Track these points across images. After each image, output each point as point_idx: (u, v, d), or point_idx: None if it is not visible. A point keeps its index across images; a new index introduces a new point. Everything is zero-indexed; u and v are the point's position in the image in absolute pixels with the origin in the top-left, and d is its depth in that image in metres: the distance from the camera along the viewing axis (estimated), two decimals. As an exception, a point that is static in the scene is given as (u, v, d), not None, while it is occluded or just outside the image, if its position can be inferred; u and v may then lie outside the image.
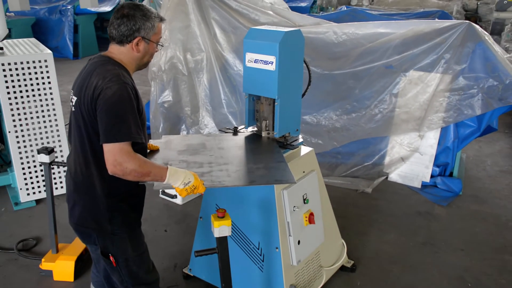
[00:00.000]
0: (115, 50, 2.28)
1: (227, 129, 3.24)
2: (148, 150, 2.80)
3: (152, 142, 2.85)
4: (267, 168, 2.64)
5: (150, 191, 4.45)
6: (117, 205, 2.30)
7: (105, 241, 2.34)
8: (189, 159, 2.72)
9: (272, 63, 2.74)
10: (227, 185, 2.46)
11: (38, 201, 4.49)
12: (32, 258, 3.70)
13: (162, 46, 2.40)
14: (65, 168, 3.07)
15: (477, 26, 4.76)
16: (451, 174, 4.99)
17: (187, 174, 2.25)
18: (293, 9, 6.58)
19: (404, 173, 5.04)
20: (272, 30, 2.82)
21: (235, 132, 3.18)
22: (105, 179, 2.22)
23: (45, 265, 3.49)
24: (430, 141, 4.91)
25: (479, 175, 5.36)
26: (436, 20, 6.69)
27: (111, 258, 2.35)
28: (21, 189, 4.39)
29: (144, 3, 2.21)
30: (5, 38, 4.64)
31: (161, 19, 2.33)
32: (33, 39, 4.89)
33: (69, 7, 10.72)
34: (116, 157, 2.06)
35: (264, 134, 3.05)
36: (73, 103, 2.25)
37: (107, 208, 2.28)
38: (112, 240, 2.34)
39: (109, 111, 2.09)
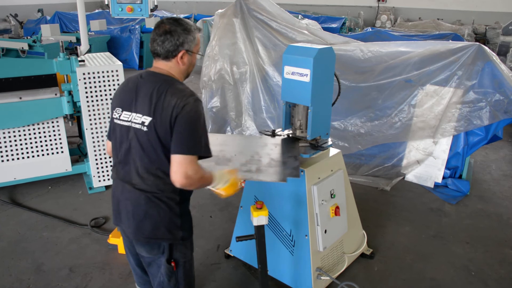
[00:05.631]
0: (163, 66, 2.05)
1: (266, 131, 3.20)
2: None
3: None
4: (277, 166, 2.55)
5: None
6: (185, 209, 2.13)
7: (172, 248, 2.12)
8: (215, 153, 2.63)
9: (307, 75, 2.69)
10: (258, 179, 2.41)
11: (107, 187, 4.57)
12: (102, 233, 3.76)
13: (202, 55, 2.23)
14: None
15: (486, 48, 4.64)
16: (460, 176, 4.83)
17: (226, 175, 2.15)
18: (325, 29, 6.48)
19: (419, 174, 4.89)
20: (308, 47, 2.76)
21: (273, 134, 3.13)
22: (178, 188, 2.00)
23: (112, 240, 3.54)
24: (443, 146, 4.76)
25: (485, 178, 5.16)
26: (450, 41, 6.48)
27: (173, 264, 2.14)
28: (94, 176, 4.48)
29: (198, 24, 2.18)
30: (87, 52, 4.76)
31: (200, 30, 2.12)
32: (108, 53, 4.99)
33: (137, 26, 10.94)
34: (187, 169, 1.89)
35: (298, 132, 2.98)
36: (144, 124, 1.96)
37: (180, 214, 2.08)
38: (178, 246, 2.13)
39: (187, 125, 1.90)
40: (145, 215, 2.05)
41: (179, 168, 1.89)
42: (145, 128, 1.96)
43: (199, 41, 2.11)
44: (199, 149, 1.93)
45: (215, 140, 2.97)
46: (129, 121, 2.02)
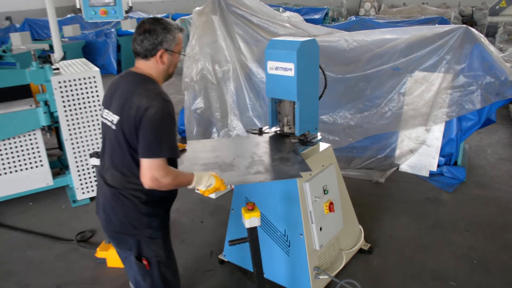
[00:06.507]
0: (143, 65, 2.13)
1: (253, 130, 3.21)
2: None
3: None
4: (283, 164, 2.59)
5: (188, 188, 4.48)
6: (155, 210, 2.18)
7: (141, 245, 2.20)
8: (212, 160, 2.69)
9: (291, 69, 2.70)
10: (245, 182, 2.42)
11: (92, 199, 4.54)
12: (89, 248, 3.74)
13: (184, 55, 2.28)
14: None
15: (474, 30, 4.70)
16: (455, 163, 4.90)
17: (210, 177, 2.20)
18: (308, 21, 6.52)
19: (413, 164, 4.95)
20: (290, 40, 2.77)
21: (260, 132, 3.14)
22: (145, 188, 2.07)
23: (100, 253, 3.52)
24: (436, 134, 4.81)
25: (480, 163, 5.23)
26: (436, 25, 6.55)
27: (145, 262, 2.22)
28: (77, 188, 4.45)
29: (176, 22, 2.18)
30: (61, 59, 4.72)
31: (181, 30, 2.17)
32: (84, 59, 4.96)
33: (112, 30, 10.89)
34: (154, 173, 1.95)
35: (286, 129, 3.01)
36: (114, 122, 2.08)
37: (146, 214, 2.16)
38: (148, 244, 2.21)
39: (151, 128, 1.96)
40: (112, 210, 2.18)
41: (147, 172, 1.97)
42: (114, 127, 2.08)
43: (181, 41, 2.18)
44: (165, 152, 1.98)
45: (203, 147, 2.97)
46: (106, 119, 2.15)
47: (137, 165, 2.04)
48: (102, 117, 2.21)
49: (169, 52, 2.12)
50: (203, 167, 2.57)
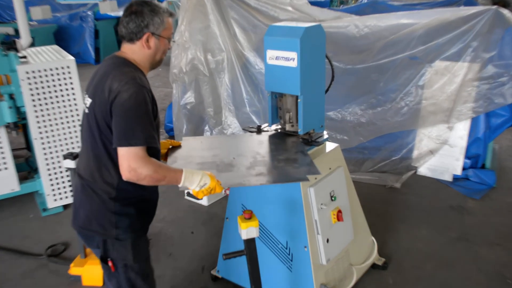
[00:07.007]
0: (127, 49, 2.25)
1: (250, 128, 3.22)
2: (170, 146, 2.85)
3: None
4: (289, 165, 2.61)
5: (175, 194, 4.49)
6: (125, 209, 2.24)
7: (106, 245, 2.28)
8: (209, 159, 2.71)
9: (293, 59, 2.72)
10: (245, 184, 2.44)
11: (65, 206, 4.55)
12: (61, 263, 3.74)
13: (174, 42, 2.36)
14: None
15: (506, 11, 4.66)
16: (483, 166, 4.91)
17: (203, 176, 2.23)
18: (313, 3, 6.51)
19: (434, 167, 4.97)
20: (292, 26, 2.79)
21: (259, 130, 3.16)
22: (116, 182, 2.17)
23: (74, 270, 3.52)
24: (460, 132, 4.83)
25: (512, 166, 5.24)
26: (461, 7, 6.56)
27: (110, 263, 2.29)
28: (48, 195, 4.45)
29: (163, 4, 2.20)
30: (29, 46, 4.71)
31: (171, 14, 2.28)
32: (56, 46, 4.96)
33: (89, 13, 10.88)
34: (131, 162, 2.02)
35: (288, 127, 3.02)
36: (87, 105, 2.21)
37: (115, 212, 2.22)
38: (114, 245, 2.27)
39: (124, 114, 2.05)
40: (81, 203, 2.30)
41: (123, 162, 2.04)
42: (87, 110, 2.22)
43: (171, 26, 2.28)
44: (139, 139, 2.04)
45: (200, 145, 2.99)
46: (86, 107, 2.26)
47: (109, 155, 2.14)
48: (83, 103, 2.31)
49: (156, 37, 2.22)
50: (199, 167, 2.59)
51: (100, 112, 2.12)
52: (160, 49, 2.27)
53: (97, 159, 2.19)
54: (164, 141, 2.78)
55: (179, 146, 2.89)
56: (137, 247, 2.33)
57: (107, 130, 2.12)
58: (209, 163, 2.66)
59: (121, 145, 2.04)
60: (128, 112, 2.04)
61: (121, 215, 2.23)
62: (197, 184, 2.21)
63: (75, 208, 2.34)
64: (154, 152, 2.18)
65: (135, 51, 2.23)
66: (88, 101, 2.20)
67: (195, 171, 2.23)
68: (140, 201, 2.29)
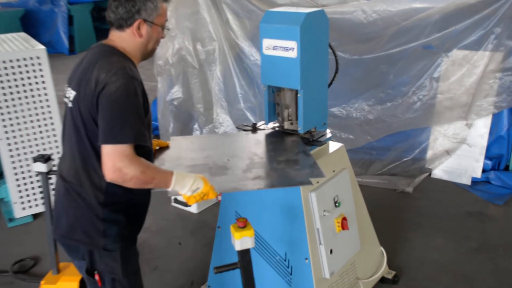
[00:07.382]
0: (116, 37, 2.24)
1: (245, 126, 3.25)
2: (157, 147, 2.86)
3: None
4: (290, 167, 2.64)
5: (161, 200, 4.50)
6: (114, 215, 2.22)
7: (93, 256, 2.27)
8: (200, 161, 2.74)
9: (293, 49, 2.73)
10: (241, 189, 2.45)
11: (35, 216, 4.55)
12: (30, 280, 3.72)
13: (168, 30, 2.37)
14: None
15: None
16: (507, 168, 4.95)
17: (196, 179, 2.21)
18: (315, -14, 6.55)
19: (450, 169, 5.00)
20: (292, 12, 2.81)
21: (254, 129, 3.18)
22: (104, 185, 2.15)
23: (45, 287, 3.53)
24: (480, 130, 4.86)
25: (539, 167, 5.27)
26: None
27: (97, 277, 2.27)
28: (15, 203, 4.43)
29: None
30: (-9, 33, 4.72)
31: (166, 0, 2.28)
32: (23, 34, 4.94)
33: (62, -5, 10.81)
34: (115, 161, 2.00)
35: (287, 125, 3.05)
36: (71, 99, 2.19)
37: (103, 218, 2.20)
38: (102, 256, 2.26)
39: (111, 108, 2.03)
40: (63, 210, 2.28)
41: (107, 160, 2.02)
42: (70, 104, 2.21)
43: (165, 12, 2.29)
44: (127, 137, 2.03)
45: (190, 145, 3.01)
46: (67, 98, 2.25)
47: (96, 154, 2.11)
48: (64, 96, 2.29)
49: (148, 24, 2.22)
50: (189, 169, 2.61)
51: (85, 106, 2.10)
52: (152, 38, 2.27)
53: (83, 159, 2.17)
54: None
55: (166, 147, 2.91)
56: (127, 259, 2.32)
57: (93, 126, 2.09)
58: (201, 165, 2.68)
59: (107, 142, 2.01)
60: (115, 105, 2.03)
61: (109, 222, 2.21)
62: (188, 189, 2.18)
63: (57, 215, 2.33)
64: (145, 152, 2.18)
65: (124, 39, 2.23)
66: (72, 94, 2.19)
67: (186, 174, 2.22)
68: (131, 206, 2.28)
